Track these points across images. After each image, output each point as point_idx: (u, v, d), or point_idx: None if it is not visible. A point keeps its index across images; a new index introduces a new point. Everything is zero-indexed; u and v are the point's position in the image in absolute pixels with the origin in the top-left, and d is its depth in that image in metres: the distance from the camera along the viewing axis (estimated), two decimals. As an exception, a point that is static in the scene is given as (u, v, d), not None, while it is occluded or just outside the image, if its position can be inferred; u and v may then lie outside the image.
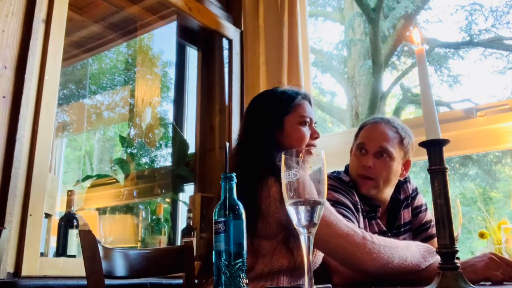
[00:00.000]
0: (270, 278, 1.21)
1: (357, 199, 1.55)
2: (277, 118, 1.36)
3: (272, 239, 1.23)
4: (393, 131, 1.58)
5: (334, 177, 1.59)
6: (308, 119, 1.39)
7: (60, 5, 1.70)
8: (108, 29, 2.96)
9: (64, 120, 3.71)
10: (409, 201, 1.67)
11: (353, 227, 1.20)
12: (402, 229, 1.63)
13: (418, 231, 1.65)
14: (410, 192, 1.69)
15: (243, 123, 1.45)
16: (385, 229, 1.59)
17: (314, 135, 1.39)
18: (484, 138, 2.04)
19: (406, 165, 1.61)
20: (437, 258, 1.21)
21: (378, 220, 1.58)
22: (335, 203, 1.44)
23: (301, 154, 0.82)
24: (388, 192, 1.61)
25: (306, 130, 1.37)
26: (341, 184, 1.55)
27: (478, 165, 4.29)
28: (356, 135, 1.67)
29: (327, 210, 1.18)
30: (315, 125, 1.42)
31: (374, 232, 1.32)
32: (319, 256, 1.29)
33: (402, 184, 1.67)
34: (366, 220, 1.56)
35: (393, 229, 1.62)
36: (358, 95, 4.89)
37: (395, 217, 1.63)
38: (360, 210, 1.54)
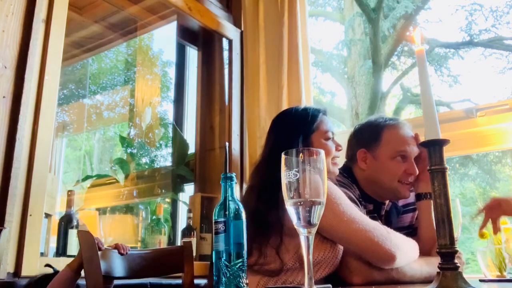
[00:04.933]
0: (290, 272, 1.28)
1: (359, 192, 1.57)
2: (304, 137, 1.44)
3: (297, 237, 1.26)
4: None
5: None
6: (331, 134, 1.47)
7: (60, 5, 1.70)
8: (108, 29, 2.96)
9: (64, 120, 3.71)
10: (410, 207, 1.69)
11: (375, 221, 1.28)
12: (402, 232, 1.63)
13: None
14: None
15: (270, 143, 1.49)
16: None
17: (338, 148, 1.49)
18: (484, 138, 2.04)
19: None
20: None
21: (379, 221, 1.59)
22: None
23: (301, 154, 0.82)
24: None
25: (331, 144, 1.46)
26: (343, 178, 1.58)
27: (478, 165, 4.29)
28: (377, 137, 1.57)
29: (347, 206, 1.26)
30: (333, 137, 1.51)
31: None
32: (340, 250, 1.32)
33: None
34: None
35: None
36: (358, 95, 4.89)
37: (394, 218, 1.65)
38: (362, 206, 1.55)
